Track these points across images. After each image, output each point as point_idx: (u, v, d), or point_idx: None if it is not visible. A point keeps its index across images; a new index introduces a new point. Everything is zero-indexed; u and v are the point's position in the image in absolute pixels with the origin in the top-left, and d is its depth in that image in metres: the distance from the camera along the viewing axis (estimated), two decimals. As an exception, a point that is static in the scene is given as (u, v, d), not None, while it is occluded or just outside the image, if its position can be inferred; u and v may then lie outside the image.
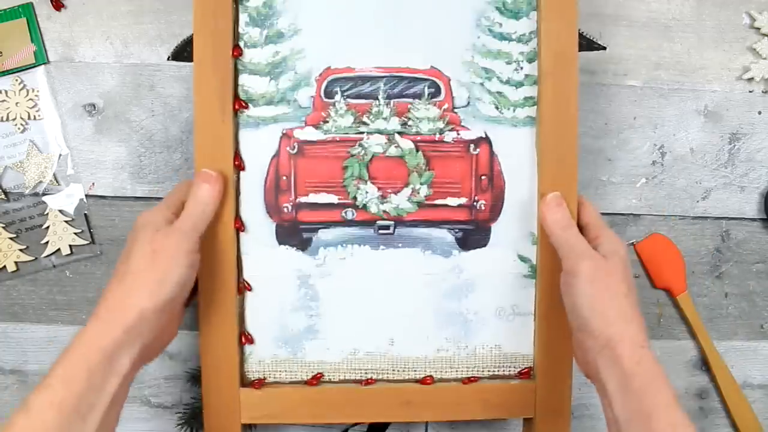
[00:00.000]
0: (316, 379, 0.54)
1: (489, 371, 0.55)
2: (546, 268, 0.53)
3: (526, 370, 0.55)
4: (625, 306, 0.46)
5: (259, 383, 0.54)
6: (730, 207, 0.64)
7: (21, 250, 0.61)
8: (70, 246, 0.61)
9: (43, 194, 0.61)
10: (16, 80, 0.60)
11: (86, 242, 0.61)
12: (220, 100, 0.51)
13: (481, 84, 0.53)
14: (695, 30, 0.63)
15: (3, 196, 0.60)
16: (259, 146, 0.53)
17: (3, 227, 0.60)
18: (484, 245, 0.54)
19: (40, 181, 0.60)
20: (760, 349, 0.65)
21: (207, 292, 0.52)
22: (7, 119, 0.60)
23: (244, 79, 0.52)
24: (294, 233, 0.53)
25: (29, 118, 0.60)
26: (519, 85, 0.53)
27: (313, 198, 0.53)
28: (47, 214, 0.61)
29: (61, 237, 0.61)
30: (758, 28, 0.63)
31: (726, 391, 0.64)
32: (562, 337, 0.53)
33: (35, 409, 0.39)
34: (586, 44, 0.56)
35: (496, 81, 0.53)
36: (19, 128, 0.60)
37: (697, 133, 0.64)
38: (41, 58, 0.60)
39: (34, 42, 0.59)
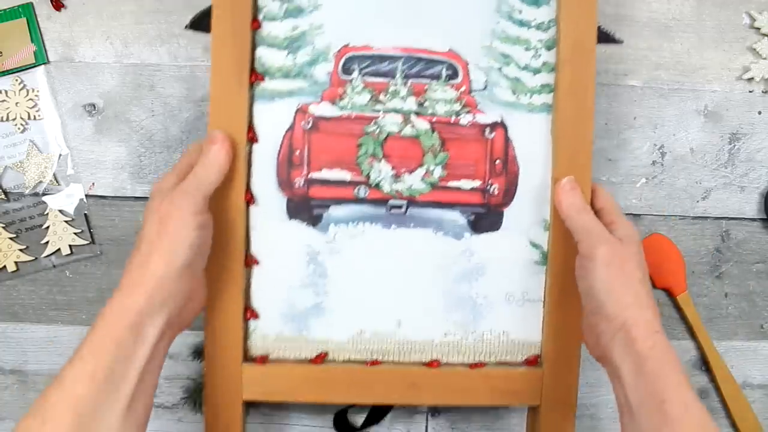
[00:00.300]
0: (321, 358, 0.53)
1: (496, 357, 0.54)
2: (557, 256, 0.53)
3: (533, 357, 0.54)
4: (641, 291, 0.46)
5: (263, 359, 0.53)
6: (730, 207, 0.64)
7: (21, 250, 0.60)
8: (70, 246, 0.60)
9: (43, 194, 0.60)
10: (16, 80, 0.59)
11: (86, 242, 0.61)
12: (237, 72, 0.51)
13: (499, 69, 0.53)
14: (695, 30, 0.64)
15: (3, 196, 0.60)
16: (273, 119, 0.52)
17: (3, 227, 0.60)
18: (497, 229, 0.54)
19: (40, 181, 0.60)
20: (760, 349, 0.65)
21: (214, 265, 0.51)
22: (7, 119, 0.59)
23: (261, 51, 0.52)
24: (305, 208, 0.53)
25: (29, 118, 0.60)
26: (536, 71, 0.54)
27: (326, 174, 0.53)
28: (47, 214, 0.60)
29: (61, 237, 0.60)
30: (758, 28, 0.64)
31: (726, 391, 0.63)
32: (570, 325, 0.53)
33: (68, 381, 0.40)
34: (604, 37, 0.56)
35: (514, 66, 0.54)
36: (19, 128, 0.59)
37: (697, 133, 0.64)
38: (41, 58, 0.60)
39: (34, 42, 0.59)
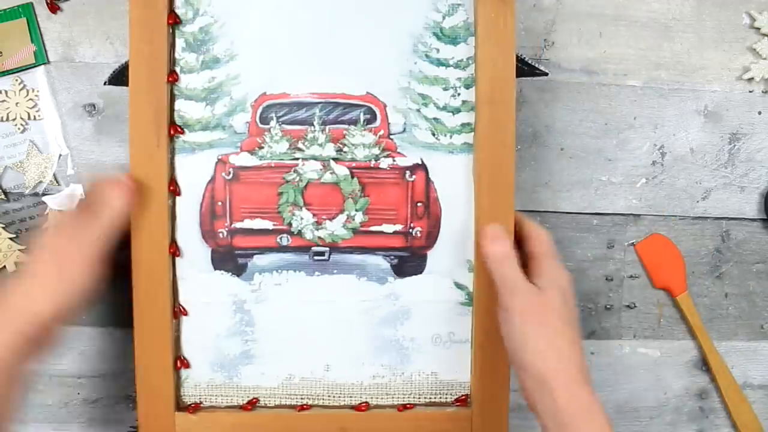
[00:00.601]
0: (252, 404, 0.54)
1: (425, 398, 0.55)
2: (483, 296, 0.53)
3: (462, 397, 0.55)
4: (559, 342, 0.45)
5: (195, 407, 0.54)
6: (730, 207, 0.64)
7: (21, 250, 0.61)
8: None
9: (43, 194, 0.61)
10: (16, 80, 0.60)
11: None
12: (155, 125, 0.51)
13: (418, 110, 0.53)
14: (695, 30, 0.63)
15: (3, 196, 0.60)
16: (194, 171, 0.53)
17: (3, 227, 0.60)
18: (420, 272, 0.54)
19: (40, 181, 0.60)
20: (761, 350, 0.65)
21: (142, 316, 0.52)
22: (7, 119, 0.60)
23: (180, 104, 0.53)
24: (229, 258, 0.53)
25: (29, 118, 0.60)
26: (456, 111, 0.53)
27: (248, 223, 0.53)
28: (47, 214, 0.61)
29: None
30: (758, 28, 0.62)
31: (726, 392, 0.64)
32: (499, 365, 0.53)
33: None
34: (528, 69, 0.55)
35: (433, 107, 0.53)
36: (19, 128, 0.60)
37: (697, 133, 0.63)
38: (41, 58, 0.60)
39: (34, 42, 0.60)
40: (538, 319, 0.46)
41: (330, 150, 0.53)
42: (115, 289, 0.57)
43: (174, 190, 0.52)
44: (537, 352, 0.45)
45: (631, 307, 0.64)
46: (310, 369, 0.54)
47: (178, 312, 0.53)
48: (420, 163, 0.53)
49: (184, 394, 0.54)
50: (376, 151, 0.53)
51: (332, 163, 0.53)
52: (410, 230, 0.53)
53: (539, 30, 0.62)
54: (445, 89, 0.53)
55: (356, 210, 0.53)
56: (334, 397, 0.55)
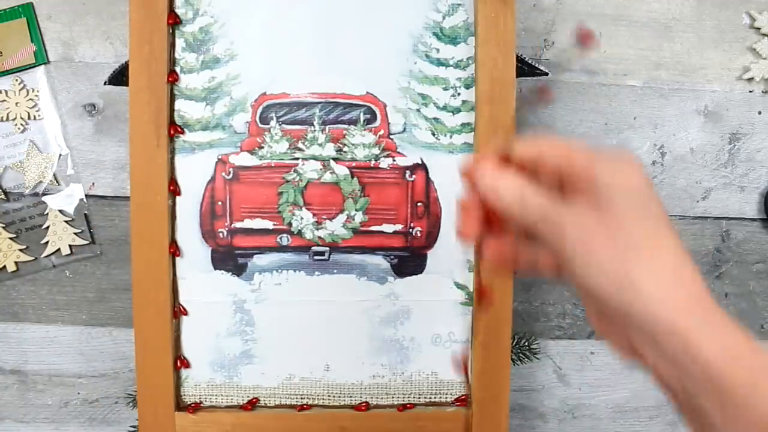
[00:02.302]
0: (252, 404, 0.54)
1: (425, 398, 0.55)
2: (482, 296, 0.53)
3: (462, 397, 0.55)
4: (662, 263, 0.29)
5: (195, 407, 0.54)
6: (730, 207, 0.64)
7: (21, 250, 0.61)
8: (70, 246, 0.61)
9: (43, 194, 0.61)
10: (16, 80, 0.60)
11: (86, 242, 0.62)
12: (155, 126, 0.51)
13: (418, 110, 0.53)
14: (695, 30, 0.63)
15: (3, 196, 0.61)
16: (194, 171, 0.53)
17: (3, 227, 0.61)
18: (420, 272, 0.54)
19: (40, 181, 0.61)
20: None
21: (142, 316, 0.52)
22: (7, 119, 0.60)
23: (180, 104, 0.53)
24: (229, 258, 0.53)
25: (29, 118, 0.60)
26: (456, 111, 0.53)
27: (248, 223, 0.53)
28: (47, 214, 0.61)
29: (61, 237, 0.61)
30: (758, 28, 0.63)
31: None
32: (498, 365, 0.53)
33: None
34: (528, 69, 0.55)
35: (433, 107, 0.53)
36: (19, 128, 0.60)
37: (697, 133, 0.63)
38: (41, 58, 0.60)
39: (34, 42, 0.60)
40: (612, 243, 0.29)
41: (330, 150, 0.53)
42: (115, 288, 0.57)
43: (174, 190, 0.52)
44: (640, 292, 0.28)
45: (631, 307, 0.64)
46: (310, 369, 0.54)
47: (178, 312, 0.53)
48: (420, 163, 0.53)
49: (184, 394, 0.54)
50: (376, 151, 0.53)
51: (332, 162, 0.53)
52: (410, 230, 0.53)
53: (539, 30, 0.62)
54: (445, 89, 0.53)
55: (356, 210, 0.53)
56: (334, 397, 0.54)
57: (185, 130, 0.53)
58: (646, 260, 0.29)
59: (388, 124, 0.53)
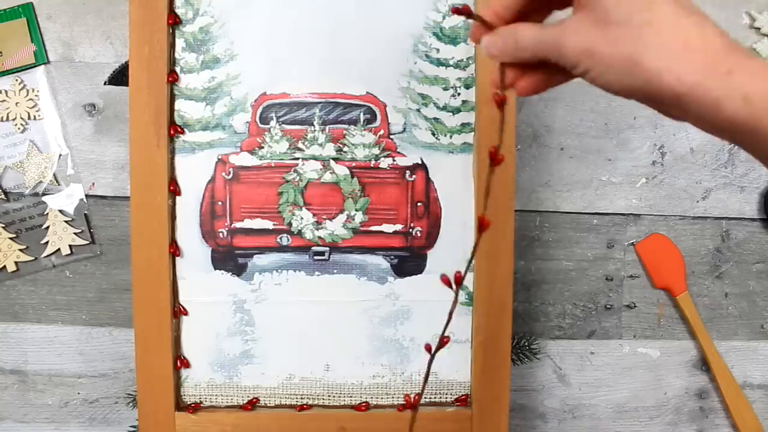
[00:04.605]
0: (252, 404, 0.54)
1: (425, 398, 0.55)
2: (482, 296, 0.53)
3: (462, 397, 0.55)
4: (645, 37, 0.29)
5: (195, 407, 0.54)
6: (730, 207, 0.64)
7: (21, 250, 0.61)
8: (70, 246, 0.61)
9: (43, 194, 0.61)
10: (16, 80, 0.60)
11: (86, 242, 0.62)
12: (155, 126, 0.51)
13: (418, 110, 0.53)
14: None
15: (3, 196, 0.61)
16: (194, 171, 0.53)
17: (3, 227, 0.61)
18: (420, 272, 0.54)
19: (40, 181, 0.61)
20: (760, 349, 0.65)
21: (142, 316, 0.52)
22: (7, 119, 0.60)
23: (180, 104, 0.53)
24: (229, 258, 0.53)
25: (29, 118, 0.60)
26: (456, 111, 0.53)
27: (248, 223, 0.53)
28: (47, 214, 0.61)
29: (61, 237, 0.61)
30: (758, 28, 0.63)
31: (726, 391, 0.64)
32: (498, 365, 0.53)
33: None
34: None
35: (433, 107, 0.53)
36: (19, 128, 0.60)
37: (697, 133, 0.63)
38: (41, 58, 0.60)
39: (34, 42, 0.60)
40: (610, 38, 0.31)
41: (330, 150, 0.53)
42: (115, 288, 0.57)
43: (174, 190, 0.52)
44: (648, 70, 0.29)
45: (631, 307, 0.65)
46: (310, 369, 0.54)
47: (178, 312, 0.53)
48: (420, 163, 0.53)
49: (184, 394, 0.54)
50: (376, 151, 0.53)
51: (332, 162, 0.53)
52: (410, 230, 0.53)
53: (539, 30, 0.62)
54: (445, 89, 0.53)
55: (356, 210, 0.53)
56: (334, 396, 0.54)
57: (185, 130, 0.53)
58: (646, 38, 0.29)
59: (388, 124, 0.53)
